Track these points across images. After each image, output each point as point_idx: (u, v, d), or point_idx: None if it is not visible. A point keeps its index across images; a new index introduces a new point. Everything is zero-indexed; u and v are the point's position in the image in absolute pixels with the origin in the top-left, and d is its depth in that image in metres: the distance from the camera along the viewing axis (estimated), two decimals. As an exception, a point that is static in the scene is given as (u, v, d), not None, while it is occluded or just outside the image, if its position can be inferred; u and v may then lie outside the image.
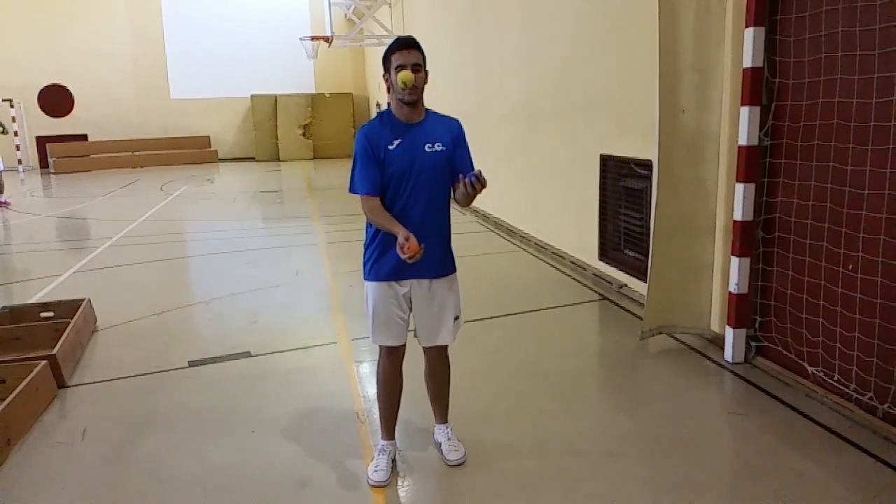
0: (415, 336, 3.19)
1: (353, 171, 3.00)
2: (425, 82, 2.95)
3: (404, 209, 2.95)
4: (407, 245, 2.72)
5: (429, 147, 2.96)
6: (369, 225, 3.07)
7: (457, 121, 3.14)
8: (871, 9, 3.34)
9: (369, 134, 2.97)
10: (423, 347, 3.25)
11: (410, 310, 3.13)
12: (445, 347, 3.27)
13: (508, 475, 3.19)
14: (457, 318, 3.20)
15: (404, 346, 3.18)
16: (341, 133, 23.79)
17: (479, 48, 10.69)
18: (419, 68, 2.89)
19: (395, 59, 2.88)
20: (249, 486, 3.17)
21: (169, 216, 12.15)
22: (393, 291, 3.05)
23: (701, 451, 3.41)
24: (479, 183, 2.79)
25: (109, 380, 4.52)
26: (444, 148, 3.00)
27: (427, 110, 3.07)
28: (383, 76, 3.00)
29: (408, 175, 2.92)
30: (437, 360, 3.29)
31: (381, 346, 3.17)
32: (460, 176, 2.86)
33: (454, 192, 3.04)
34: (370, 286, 3.08)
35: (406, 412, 3.46)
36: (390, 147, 2.93)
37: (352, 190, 3.03)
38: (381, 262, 3.02)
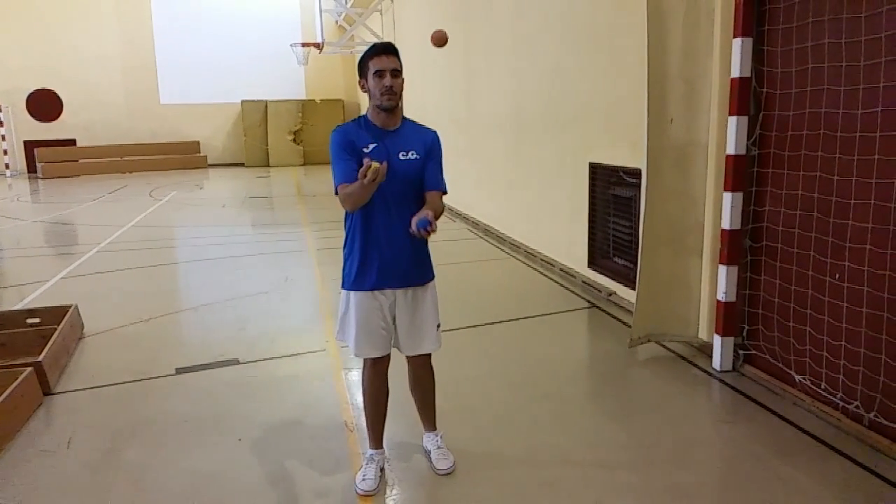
0: (395, 346, 3.16)
1: (333, 172, 2.94)
2: (402, 89, 2.94)
3: (379, 216, 2.93)
4: (367, 169, 2.58)
5: (403, 155, 2.94)
6: (349, 233, 3.04)
7: (434, 132, 3.10)
8: (857, 20, 3.38)
9: (345, 131, 2.95)
10: (407, 357, 3.23)
11: (393, 321, 3.10)
12: (429, 356, 3.26)
13: (498, 484, 3.19)
14: (438, 325, 3.18)
15: (389, 355, 3.16)
16: (331, 139, 23.70)
17: (469, 56, 10.72)
18: (397, 74, 2.89)
19: (373, 65, 2.87)
20: (236, 496, 3.15)
21: (157, 222, 12.09)
22: (377, 302, 3.02)
23: (689, 459, 3.42)
24: (427, 232, 2.66)
25: (96, 387, 4.48)
26: (418, 157, 2.98)
27: (404, 118, 3.05)
28: (359, 82, 2.98)
29: (382, 182, 2.87)
30: (422, 369, 3.28)
31: (365, 358, 3.15)
32: (412, 220, 2.70)
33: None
34: (353, 296, 3.03)
35: (394, 421, 3.46)
36: (366, 150, 2.89)
37: (336, 192, 2.93)
38: (365, 271, 2.99)
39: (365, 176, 2.58)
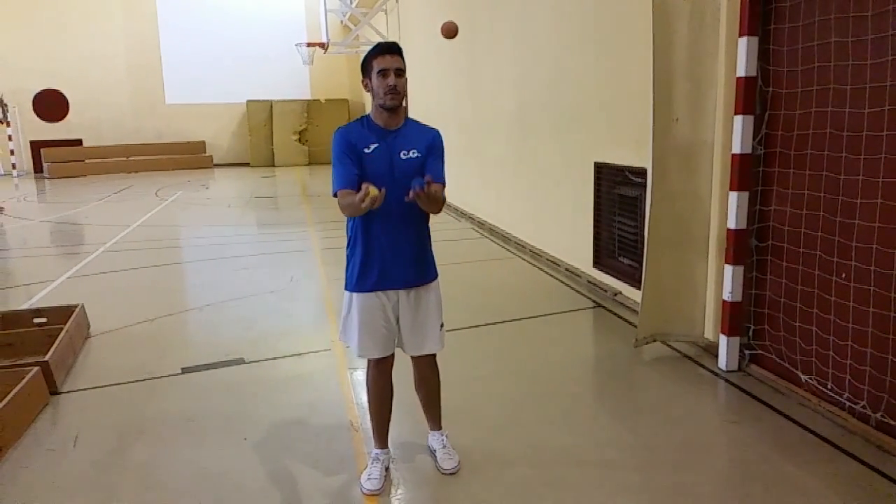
0: (399, 346, 3.16)
1: (333, 175, 2.95)
2: (405, 88, 2.93)
3: (380, 217, 2.92)
4: (365, 195, 2.57)
5: (404, 154, 2.94)
6: (351, 234, 3.04)
7: (436, 131, 3.10)
8: (863, 19, 3.37)
9: (347, 132, 2.95)
10: (412, 357, 3.23)
11: (396, 321, 3.10)
12: (434, 356, 3.25)
13: (503, 483, 3.19)
14: (441, 325, 3.18)
15: (392, 354, 3.17)
16: (337, 139, 23.73)
17: (474, 55, 10.72)
18: (401, 73, 2.89)
19: (377, 64, 2.87)
20: (241, 495, 3.16)
21: (163, 222, 12.12)
22: (380, 303, 3.03)
23: (694, 459, 3.41)
24: (424, 192, 2.64)
25: (102, 386, 4.50)
26: (419, 155, 2.97)
27: (407, 118, 3.05)
28: (363, 81, 2.98)
29: (383, 181, 2.81)
30: (426, 368, 3.28)
31: (368, 358, 3.15)
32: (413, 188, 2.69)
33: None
34: (356, 297, 3.04)
35: (399, 420, 3.46)
36: (367, 150, 2.90)
37: (334, 193, 2.94)
38: (366, 272, 2.99)
39: (363, 200, 2.58)
